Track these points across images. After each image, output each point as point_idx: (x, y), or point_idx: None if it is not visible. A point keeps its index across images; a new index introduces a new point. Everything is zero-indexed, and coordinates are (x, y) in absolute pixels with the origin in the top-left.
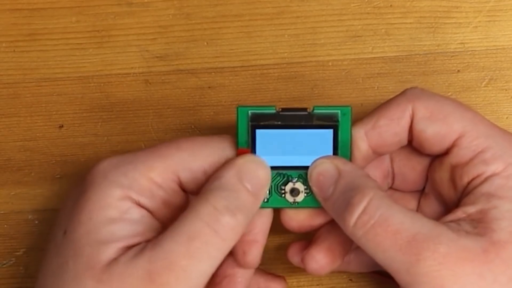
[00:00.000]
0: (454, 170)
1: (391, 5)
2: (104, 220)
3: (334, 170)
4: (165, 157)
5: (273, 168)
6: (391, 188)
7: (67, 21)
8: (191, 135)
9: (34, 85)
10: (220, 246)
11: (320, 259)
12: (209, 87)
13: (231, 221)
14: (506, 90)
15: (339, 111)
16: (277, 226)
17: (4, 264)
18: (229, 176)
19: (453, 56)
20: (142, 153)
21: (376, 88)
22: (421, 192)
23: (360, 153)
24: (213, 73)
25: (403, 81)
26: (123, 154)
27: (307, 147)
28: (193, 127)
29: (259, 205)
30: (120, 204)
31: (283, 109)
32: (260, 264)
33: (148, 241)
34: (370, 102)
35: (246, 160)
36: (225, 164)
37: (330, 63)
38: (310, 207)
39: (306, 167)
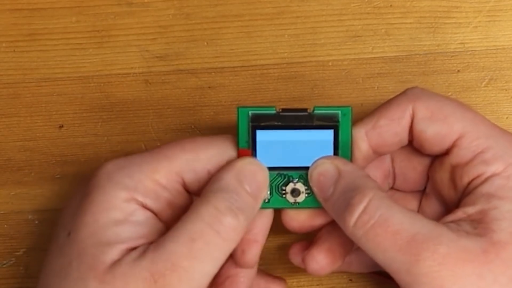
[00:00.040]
0: (455, 170)
1: (391, 5)
2: (109, 222)
3: (335, 170)
4: (170, 158)
5: (273, 168)
6: (392, 188)
7: (67, 21)
8: (191, 135)
9: (34, 85)
10: (221, 247)
11: (321, 259)
12: (209, 87)
13: (233, 222)
14: (506, 90)
15: (339, 112)
16: (277, 227)
17: (4, 264)
18: (229, 178)
19: (453, 56)
20: (147, 155)
21: (376, 88)
22: (422, 192)
23: (360, 153)
24: (213, 73)
25: (403, 81)
26: (127, 156)
27: (308, 147)
28: (193, 127)
29: (259, 207)
30: (125, 206)
31: (284, 110)
32: (261, 265)
33: (151, 243)
34: (370, 102)
35: (245, 163)
36: (225, 166)
37: (330, 63)
38: (311, 207)
39: (307, 168)
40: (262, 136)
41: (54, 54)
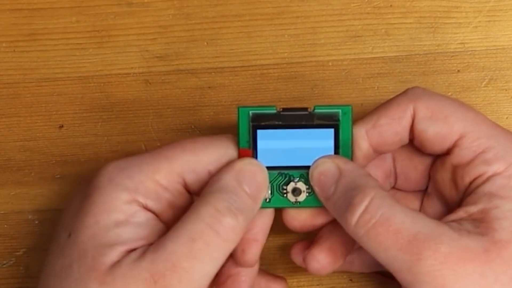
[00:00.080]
0: (456, 170)
1: (391, 5)
2: (110, 223)
3: (335, 169)
4: (170, 159)
5: (274, 168)
6: (393, 187)
7: (67, 21)
8: (191, 135)
9: (34, 85)
10: (221, 247)
11: (322, 259)
12: (209, 87)
13: (232, 222)
14: (506, 90)
15: (339, 110)
16: (278, 226)
17: (4, 264)
18: (228, 178)
19: (453, 56)
20: (147, 156)
21: (376, 88)
22: (423, 192)
23: (361, 152)
24: (213, 73)
25: (403, 81)
26: (128, 157)
27: (308, 146)
28: (193, 127)
29: (258, 207)
30: (126, 207)
31: (284, 109)
32: (261, 265)
33: (151, 244)
34: (370, 102)
35: (244, 163)
36: (224, 166)
37: (330, 63)
38: (312, 206)
39: (308, 167)
40: (263, 135)
41: (54, 54)
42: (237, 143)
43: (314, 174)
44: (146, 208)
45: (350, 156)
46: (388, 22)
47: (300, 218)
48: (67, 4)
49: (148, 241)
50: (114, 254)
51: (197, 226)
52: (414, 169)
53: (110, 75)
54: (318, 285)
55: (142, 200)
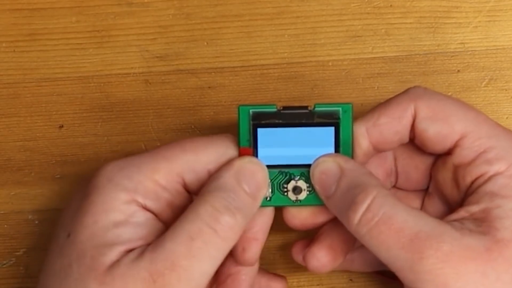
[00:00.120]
0: (457, 170)
1: (391, 5)
2: (109, 223)
3: (337, 168)
4: (170, 159)
5: (275, 166)
6: (394, 187)
7: (67, 21)
8: (191, 135)
9: (34, 85)
10: (220, 246)
11: (322, 257)
12: (209, 87)
13: (230, 221)
14: (506, 90)
15: (340, 109)
16: (278, 225)
17: (4, 264)
18: (227, 177)
19: (453, 56)
20: (146, 156)
21: (376, 88)
22: (425, 192)
23: (361, 150)
24: (213, 73)
25: (403, 81)
26: (127, 157)
27: (309, 145)
28: (193, 127)
29: (258, 206)
30: (126, 207)
31: (284, 108)
32: (261, 264)
33: (150, 244)
34: (370, 102)
35: (244, 162)
36: (224, 165)
37: (330, 63)
38: (312, 205)
39: (308, 165)
40: (263, 134)
41: (54, 54)
42: (238, 142)
43: (315, 173)
44: (145, 208)
45: (351, 155)
46: (388, 22)
47: (301, 217)
48: (67, 4)
49: (147, 241)
50: (113, 254)
51: (196, 225)
52: (415, 168)
53: (110, 75)
54: (318, 285)
55: (141, 200)
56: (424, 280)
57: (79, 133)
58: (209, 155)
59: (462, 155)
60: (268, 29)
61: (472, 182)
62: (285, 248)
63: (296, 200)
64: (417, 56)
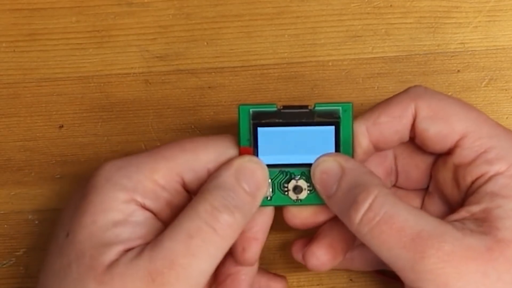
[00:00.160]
0: (458, 170)
1: (391, 5)
2: (109, 223)
3: (337, 167)
4: (169, 158)
5: (275, 166)
6: (394, 186)
7: (67, 21)
8: (191, 135)
9: (34, 85)
10: (218, 244)
11: (321, 255)
12: (209, 87)
13: (229, 219)
14: (506, 90)
15: (340, 108)
16: (278, 225)
17: (4, 264)
18: (227, 176)
19: (453, 56)
20: (146, 155)
21: (376, 88)
22: (425, 191)
23: (361, 148)
24: (213, 73)
25: (403, 81)
26: (126, 157)
27: (309, 144)
28: (193, 127)
29: (257, 205)
30: (124, 207)
31: (285, 107)
32: (261, 264)
33: (149, 243)
34: (370, 102)
35: (243, 161)
36: (223, 164)
37: (330, 63)
38: (313, 204)
39: (309, 165)
40: (264, 133)
41: (54, 54)
42: (238, 141)
43: (316, 173)
44: (144, 207)
45: (351, 154)
46: (388, 22)
47: (302, 216)
48: (67, 4)
49: (146, 240)
50: (112, 254)
51: (195, 223)
52: (415, 167)
53: (110, 75)
54: (318, 284)
55: (140, 199)
56: (425, 279)
57: (79, 133)
58: (208, 154)
59: (462, 155)
60: (268, 29)
61: (473, 182)
62: (285, 248)
63: (296, 200)
64: (417, 56)
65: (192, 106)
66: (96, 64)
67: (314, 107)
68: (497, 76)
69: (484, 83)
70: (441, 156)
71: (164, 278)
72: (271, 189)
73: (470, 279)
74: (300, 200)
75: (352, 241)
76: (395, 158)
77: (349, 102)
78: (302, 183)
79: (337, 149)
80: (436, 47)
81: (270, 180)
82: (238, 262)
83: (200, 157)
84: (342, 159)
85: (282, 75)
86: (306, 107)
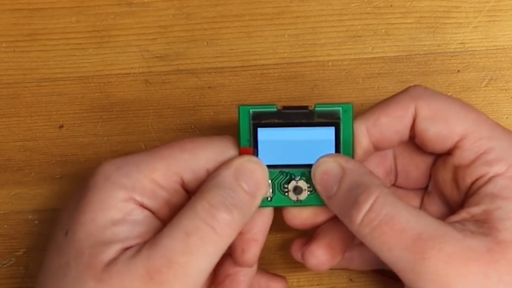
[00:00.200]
0: (457, 171)
1: (391, 5)
2: (107, 221)
3: (338, 168)
4: (168, 158)
5: (275, 166)
6: (393, 185)
7: (67, 21)
8: (191, 135)
9: (34, 85)
10: (217, 243)
11: (320, 255)
12: (209, 87)
13: (227, 217)
14: (506, 90)
15: (340, 108)
16: (278, 225)
17: (4, 264)
18: (226, 175)
19: (453, 56)
20: (145, 154)
21: (376, 88)
22: (424, 190)
23: (361, 148)
24: (213, 73)
25: (403, 81)
26: (125, 156)
27: (309, 145)
28: (193, 127)
29: (257, 205)
30: (123, 205)
31: (284, 107)
32: (261, 264)
33: (148, 241)
34: (370, 102)
35: (243, 160)
36: (223, 164)
37: (330, 63)
38: (313, 205)
39: (309, 165)
40: (263, 134)
41: (54, 54)
42: (238, 142)
43: (316, 174)
44: (142, 206)
45: (352, 154)
46: (388, 22)
47: (302, 217)
48: (67, 4)
49: (145, 238)
50: (111, 252)
51: (193, 222)
52: (415, 167)
53: (110, 75)
54: (318, 284)
55: (138, 198)
56: (426, 280)
57: (79, 133)
58: (208, 154)
59: (462, 156)
60: (268, 29)
61: (472, 183)
62: (285, 248)
63: (297, 200)
64: (417, 56)
65: (192, 106)
66: (96, 64)
67: (314, 107)
68: (497, 76)
69: (484, 83)
70: (440, 156)
71: (162, 276)
72: (271, 190)
73: (471, 280)
74: (300, 201)
75: (351, 240)
76: (395, 157)
77: (349, 103)
78: (302, 183)
79: (337, 149)
80: (436, 47)
81: (270, 181)
82: (237, 263)
83: (199, 157)
84: (342, 160)
85: (282, 75)
86: (306, 107)
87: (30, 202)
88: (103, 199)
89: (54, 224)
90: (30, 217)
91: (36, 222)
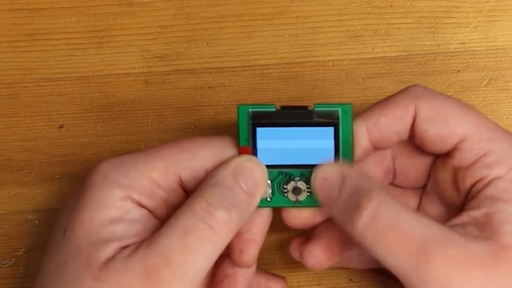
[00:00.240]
0: (457, 172)
1: (391, 5)
2: (105, 220)
3: (338, 174)
4: (166, 157)
5: (274, 166)
6: (391, 184)
7: (67, 21)
8: (191, 135)
9: (34, 85)
10: (214, 242)
11: (318, 254)
12: (209, 87)
13: (225, 216)
14: (506, 90)
15: (339, 109)
16: (278, 225)
17: (4, 264)
18: (224, 174)
19: (453, 56)
20: (144, 154)
21: (376, 88)
22: (422, 189)
23: (361, 148)
24: (213, 73)
25: (403, 81)
26: (124, 155)
27: (308, 145)
28: (193, 127)
29: (255, 205)
30: (121, 204)
31: (283, 107)
32: (261, 264)
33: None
34: (370, 102)
35: (242, 160)
36: (222, 163)
37: (330, 63)
38: (312, 206)
39: (308, 166)
40: (262, 133)
41: (54, 54)
42: (237, 142)
43: (316, 180)
44: (140, 204)
45: (351, 155)
46: (388, 22)
47: (301, 218)
48: (67, 4)
49: (142, 237)
50: (108, 250)
51: (190, 220)
52: (413, 167)
53: (110, 75)
54: (318, 284)
55: (136, 197)
56: (431, 286)
57: (79, 133)
58: (206, 154)
59: (462, 158)
60: (268, 29)
61: (472, 186)
62: (285, 248)
63: (296, 201)
64: (417, 56)
65: (192, 106)
66: (96, 64)
67: (314, 107)
68: (497, 76)
69: (484, 83)
70: (440, 157)
71: (160, 275)
72: (270, 190)
73: (475, 285)
74: (300, 201)
75: (349, 240)
76: (393, 157)
77: (348, 103)
78: (302, 184)
79: (337, 149)
80: (436, 47)
81: (269, 181)
82: (235, 263)
83: (198, 156)
84: (342, 166)
85: (282, 75)
86: (305, 107)
87: (30, 202)
88: (101, 198)
89: (53, 224)
90: (30, 217)
91: (36, 222)
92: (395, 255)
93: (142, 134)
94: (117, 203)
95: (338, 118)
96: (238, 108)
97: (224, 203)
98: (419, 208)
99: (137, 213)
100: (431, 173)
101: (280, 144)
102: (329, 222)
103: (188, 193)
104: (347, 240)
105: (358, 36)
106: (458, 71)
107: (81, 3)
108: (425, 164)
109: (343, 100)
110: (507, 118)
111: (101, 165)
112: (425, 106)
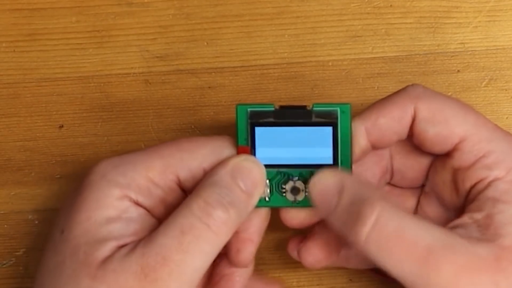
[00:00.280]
0: (456, 173)
1: (391, 5)
2: (103, 219)
3: (337, 182)
4: (165, 157)
5: (273, 166)
6: (389, 184)
7: (67, 21)
8: (191, 135)
9: (34, 85)
10: (212, 241)
11: (316, 253)
12: (209, 87)
13: (223, 216)
14: (506, 90)
15: (338, 109)
16: (276, 225)
17: (4, 264)
18: (223, 174)
19: (453, 56)
20: (142, 153)
21: (376, 88)
22: (420, 189)
23: (359, 148)
24: (213, 73)
25: (403, 81)
26: (123, 155)
27: (307, 144)
28: (193, 127)
29: (253, 205)
30: (119, 203)
31: (282, 107)
32: (260, 264)
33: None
34: (370, 102)
35: (240, 159)
36: (220, 163)
37: (330, 63)
38: (311, 206)
39: (307, 166)
40: (261, 133)
41: (54, 54)
42: (236, 141)
43: (315, 189)
44: (137, 203)
45: (349, 155)
46: (388, 22)
47: (299, 217)
48: (67, 4)
49: (140, 236)
50: (106, 250)
51: (188, 220)
52: (412, 167)
53: (110, 75)
54: (318, 284)
55: (133, 196)
56: None
57: (79, 133)
58: (205, 154)
59: (461, 159)
60: (268, 29)
61: (472, 187)
62: (284, 248)
63: (294, 201)
64: (417, 56)
65: (192, 106)
66: (96, 64)
67: (312, 107)
68: (497, 76)
69: (484, 83)
70: (439, 157)
71: (157, 274)
72: (268, 190)
73: None
74: (298, 201)
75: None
76: (392, 156)
77: (347, 103)
78: (300, 184)
79: (335, 149)
80: (436, 47)
81: (268, 181)
82: (232, 263)
83: (196, 156)
84: (340, 174)
85: (282, 75)
86: (304, 107)
87: (30, 202)
88: (98, 197)
89: (52, 224)
90: (30, 217)
91: (36, 222)
92: (401, 264)
93: (142, 134)
94: (115, 202)
95: (336, 118)
96: (236, 107)
97: (222, 203)
98: (417, 208)
99: (135, 212)
100: (430, 173)
101: (278, 143)
102: (326, 220)
103: (186, 192)
104: (344, 239)
105: (358, 36)
106: (458, 71)
107: (81, 3)
108: (424, 164)
109: (343, 100)
110: (507, 118)
111: (99, 165)
112: (424, 106)
